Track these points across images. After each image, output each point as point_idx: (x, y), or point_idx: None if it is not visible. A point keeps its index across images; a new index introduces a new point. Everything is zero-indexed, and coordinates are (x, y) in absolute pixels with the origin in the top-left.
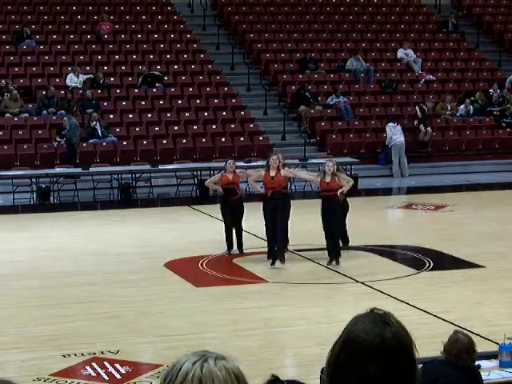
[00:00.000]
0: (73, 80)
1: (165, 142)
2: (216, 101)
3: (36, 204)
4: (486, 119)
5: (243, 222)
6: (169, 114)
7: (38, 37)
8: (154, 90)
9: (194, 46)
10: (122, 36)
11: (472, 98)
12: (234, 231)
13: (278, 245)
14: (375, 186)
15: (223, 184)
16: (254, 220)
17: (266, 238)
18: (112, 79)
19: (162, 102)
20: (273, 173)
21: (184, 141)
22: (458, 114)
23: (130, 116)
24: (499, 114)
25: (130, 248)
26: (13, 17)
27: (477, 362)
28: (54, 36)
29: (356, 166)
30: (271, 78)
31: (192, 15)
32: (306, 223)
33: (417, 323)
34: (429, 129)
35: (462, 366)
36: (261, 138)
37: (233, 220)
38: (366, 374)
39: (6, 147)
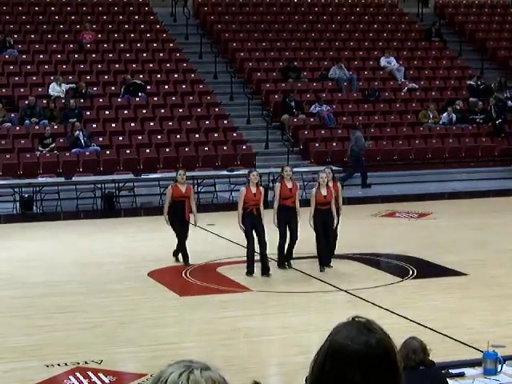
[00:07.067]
0: (55, 89)
1: (148, 151)
2: (199, 110)
3: (19, 214)
4: (469, 127)
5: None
6: (152, 123)
7: (20, 46)
8: (137, 99)
9: (177, 54)
10: (105, 45)
11: (454, 107)
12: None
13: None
14: (358, 195)
15: (175, 197)
16: (235, 229)
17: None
18: (95, 88)
19: (144, 111)
20: (290, 185)
21: (167, 150)
22: (440, 122)
23: (113, 125)
24: (482, 121)
25: (113, 257)
26: None
27: (461, 370)
28: (37, 45)
29: (339, 174)
30: (254, 87)
31: (175, 24)
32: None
33: (400, 331)
34: None
35: (413, 366)
36: (244, 147)
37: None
38: (351, 382)
39: None
